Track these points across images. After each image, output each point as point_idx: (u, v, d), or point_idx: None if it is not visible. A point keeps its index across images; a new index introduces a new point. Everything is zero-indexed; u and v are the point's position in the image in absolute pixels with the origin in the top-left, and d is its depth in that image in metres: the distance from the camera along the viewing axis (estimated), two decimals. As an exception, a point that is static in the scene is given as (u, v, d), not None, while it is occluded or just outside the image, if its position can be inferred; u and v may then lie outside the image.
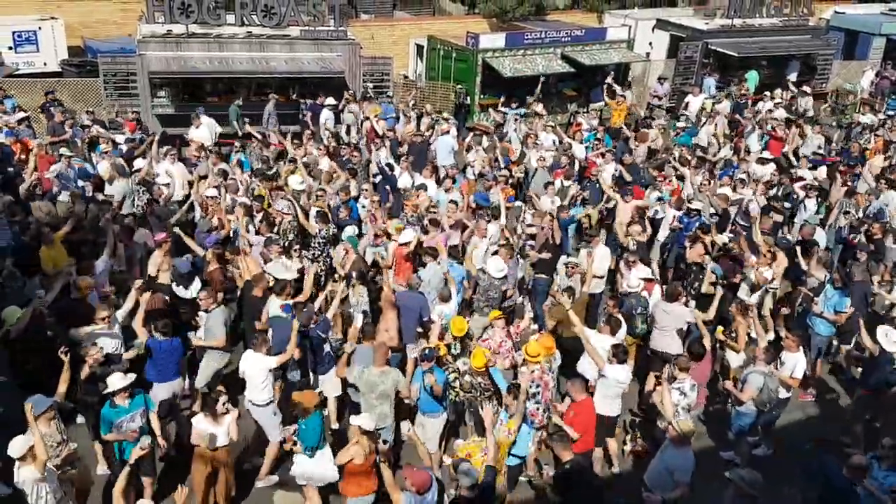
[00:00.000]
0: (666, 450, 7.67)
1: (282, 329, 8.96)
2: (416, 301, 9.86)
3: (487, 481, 6.98)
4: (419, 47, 24.01)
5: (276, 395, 8.87)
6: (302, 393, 8.04)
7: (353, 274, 10.47)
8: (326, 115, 17.47)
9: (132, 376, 7.73)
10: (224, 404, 7.73)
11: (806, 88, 21.50)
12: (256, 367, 8.46)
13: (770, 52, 24.31)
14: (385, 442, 7.42)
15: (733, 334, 9.94)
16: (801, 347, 9.34)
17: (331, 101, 17.76)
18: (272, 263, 10.62)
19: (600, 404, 8.57)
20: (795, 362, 9.17)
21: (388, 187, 13.63)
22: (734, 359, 9.88)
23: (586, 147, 16.36)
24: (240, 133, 16.87)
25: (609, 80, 20.56)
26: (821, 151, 16.39)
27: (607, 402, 8.65)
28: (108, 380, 7.62)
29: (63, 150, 13.76)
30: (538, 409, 8.51)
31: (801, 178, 14.72)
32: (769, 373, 8.81)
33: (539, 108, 18.79)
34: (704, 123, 18.03)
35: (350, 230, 11.85)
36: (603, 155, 15.42)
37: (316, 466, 7.78)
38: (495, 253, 11.05)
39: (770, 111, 18.96)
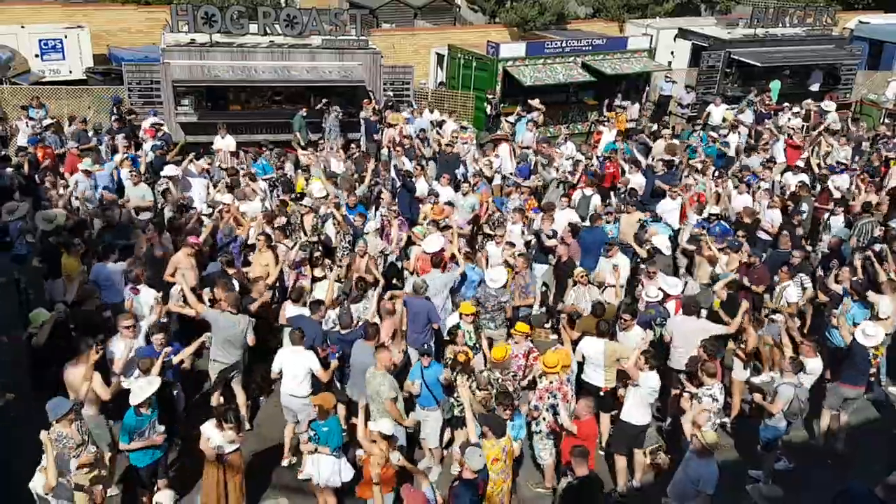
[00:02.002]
0: (690, 461, 7.65)
1: (309, 327, 9.10)
2: (423, 306, 9.90)
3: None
4: (440, 56, 24.09)
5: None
6: (319, 395, 8.08)
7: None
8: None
9: (157, 381, 7.74)
10: (237, 422, 7.69)
11: (830, 103, 21.23)
12: (297, 362, 8.63)
13: (793, 61, 24.15)
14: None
15: (742, 345, 9.92)
16: (818, 353, 9.31)
17: (405, 114, 18.07)
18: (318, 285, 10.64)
19: (632, 413, 8.61)
20: (817, 368, 9.20)
21: (407, 194, 13.67)
22: (739, 371, 9.89)
23: (604, 158, 16.26)
24: (303, 143, 16.93)
25: (617, 101, 20.62)
26: (845, 162, 16.24)
27: (639, 411, 8.63)
28: (134, 388, 7.61)
29: (86, 162, 13.75)
30: (557, 419, 8.51)
31: (825, 190, 14.57)
32: (798, 384, 8.74)
33: (536, 102, 18.88)
34: (729, 133, 17.94)
35: (371, 225, 11.99)
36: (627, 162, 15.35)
37: (335, 467, 7.86)
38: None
39: (789, 119, 18.88)
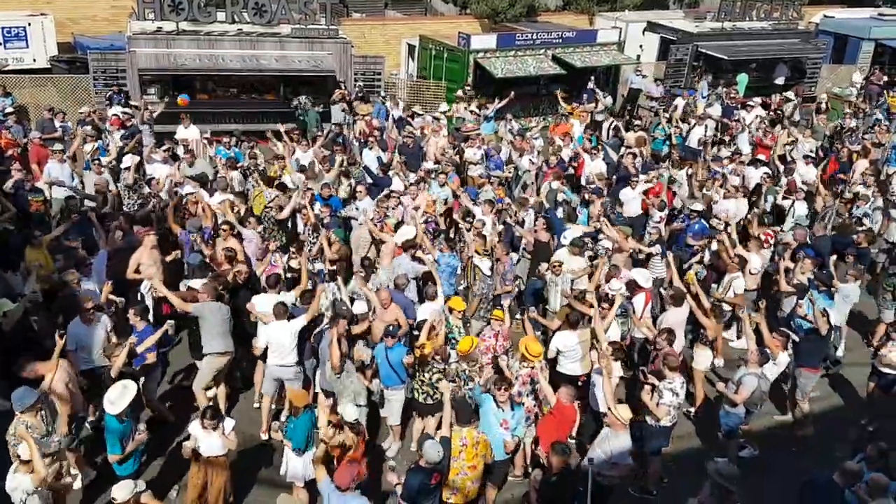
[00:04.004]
0: (605, 437, 7.84)
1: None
2: (402, 301, 9.96)
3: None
4: (411, 47, 24.02)
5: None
6: (294, 392, 8.13)
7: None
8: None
9: (133, 387, 7.52)
10: (214, 419, 7.55)
11: (789, 93, 21.59)
12: (284, 332, 8.87)
13: (759, 55, 24.45)
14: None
15: (703, 330, 10.12)
16: (786, 348, 9.44)
17: (443, 107, 18.30)
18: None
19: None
20: (784, 362, 9.38)
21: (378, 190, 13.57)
22: (701, 361, 10.04)
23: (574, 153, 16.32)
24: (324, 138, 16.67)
25: (591, 84, 20.65)
26: (811, 154, 16.48)
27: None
28: (110, 397, 7.31)
29: (56, 146, 13.68)
30: (535, 405, 8.62)
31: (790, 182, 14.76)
32: (761, 374, 8.88)
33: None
34: (694, 126, 18.11)
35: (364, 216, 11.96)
36: (588, 151, 15.53)
37: (304, 466, 7.84)
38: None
39: (758, 117, 19.13)
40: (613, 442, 7.74)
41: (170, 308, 9.88)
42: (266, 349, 9.08)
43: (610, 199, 13.48)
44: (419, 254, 10.98)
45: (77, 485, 8.06)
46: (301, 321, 8.95)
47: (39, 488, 6.71)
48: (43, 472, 6.67)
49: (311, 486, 7.86)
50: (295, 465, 7.86)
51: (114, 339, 8.72)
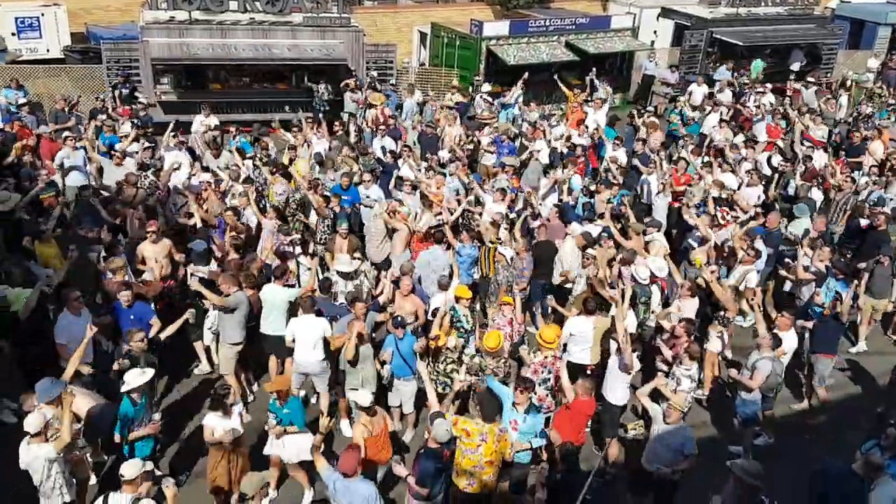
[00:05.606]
0: (668, 429, 7.70)
1: (327, 308, 9.34)
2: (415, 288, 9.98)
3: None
4: (423, 35, 23.93)
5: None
6: (276, 380, 8.21)
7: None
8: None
9: (150, 373, 7.63)
10: (231, 397, 7.64)
11: (809, 79, 21.40)
12: (309, 330, 8.81)
13: (775, 41, 24.23)
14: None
15: (718, 313, 10.10)
16: (792, 327, 9.47)
17: (486, 87, 18.48)
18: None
19: (619, 395, 8.71)
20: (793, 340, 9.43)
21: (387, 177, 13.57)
22: (714, 343, 10.00)
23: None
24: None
25: (592, 75, 20.50)
26: (822, 141, 16.34)
27: (624, 392, 8.75)
28: (127, 377, 7.48)
29: (66, 134, 13.73)
30: (548, 395, 8.58)
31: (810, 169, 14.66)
32: (775, 358, 8.85)
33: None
34: (709, 113, 17.98)
35: (378, 208, 11.92)
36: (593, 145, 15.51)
37: (303, 444, 7.89)
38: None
39: (770, 103, 18.99)
40: (676, 434, 7.62)
41: (163, 305, 9.97)
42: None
43: (628, 187, 13.46)
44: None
45: (92, 480, 8.10)
46: (328, 328, 8.88)
47: (61, 454, 6.78)
48: (68, 437, 6.74)
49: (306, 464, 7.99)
50: (292, 447, 7.91)
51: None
